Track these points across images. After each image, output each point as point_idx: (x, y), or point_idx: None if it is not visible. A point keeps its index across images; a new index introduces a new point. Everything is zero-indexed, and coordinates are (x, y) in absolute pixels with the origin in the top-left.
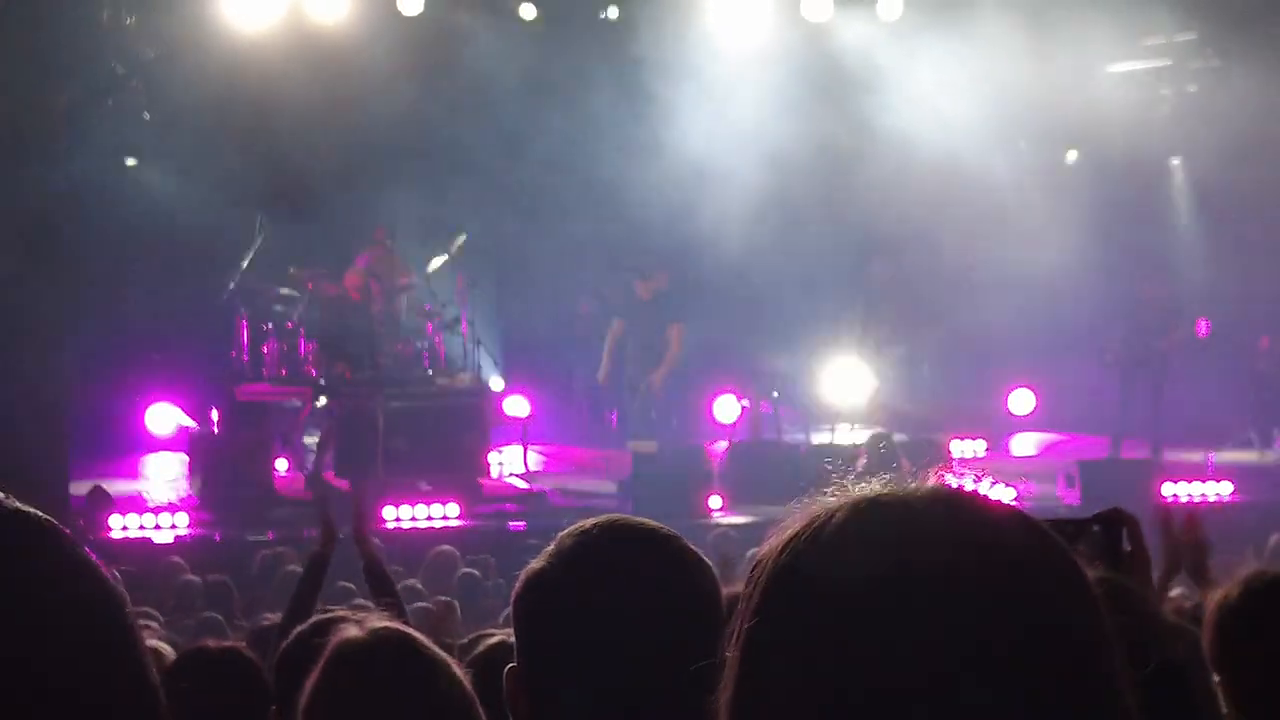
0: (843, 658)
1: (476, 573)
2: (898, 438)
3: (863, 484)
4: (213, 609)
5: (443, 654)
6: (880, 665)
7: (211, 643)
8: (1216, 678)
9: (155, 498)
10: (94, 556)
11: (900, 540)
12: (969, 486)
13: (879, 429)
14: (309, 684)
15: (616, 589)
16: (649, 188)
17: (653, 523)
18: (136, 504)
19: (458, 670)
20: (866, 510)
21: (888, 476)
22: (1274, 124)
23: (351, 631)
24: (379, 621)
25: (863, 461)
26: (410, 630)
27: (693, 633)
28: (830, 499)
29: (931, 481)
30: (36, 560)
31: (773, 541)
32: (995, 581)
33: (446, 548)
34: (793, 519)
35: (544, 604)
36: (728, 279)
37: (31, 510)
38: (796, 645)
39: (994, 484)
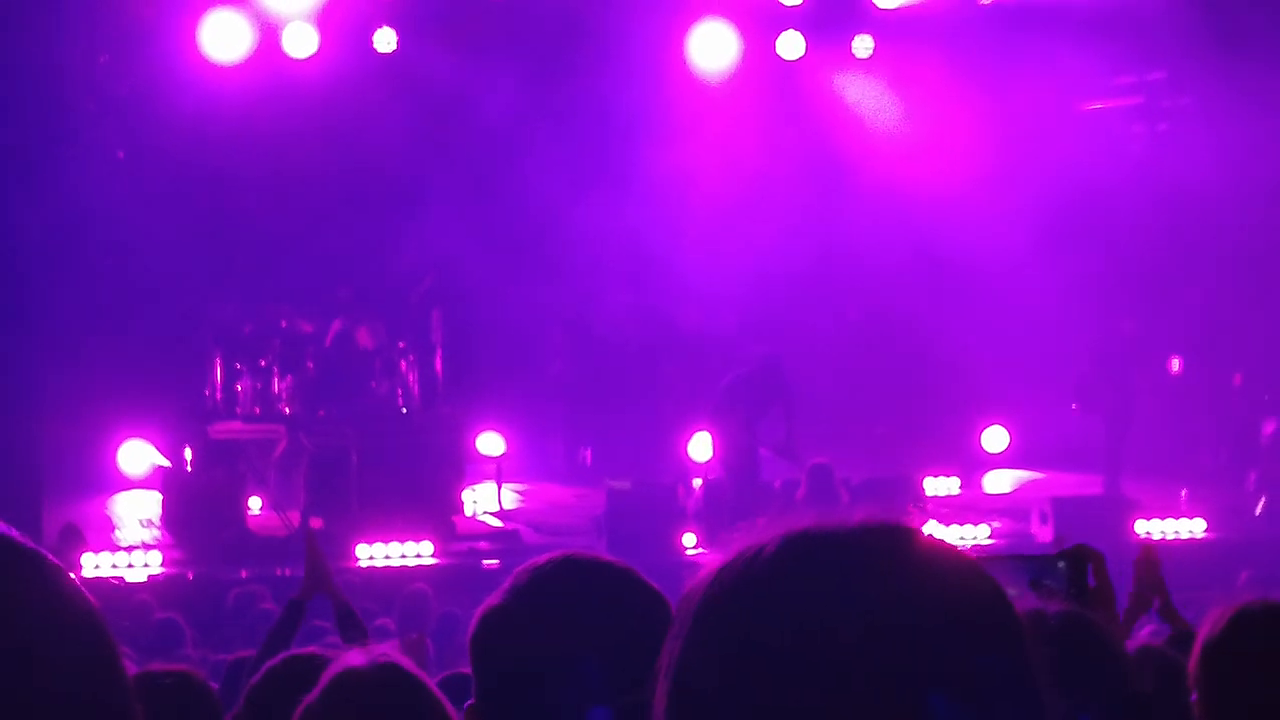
0: (767, 692)
1: (459, 611)
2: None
3: (795, 516)
4: (165, 645)
5: (438, 692)
6: (805, 700)
7: (158, 666)
8: (1201, 710)
9: (127, 536)
10: (79, 584)
11: (828, 574)
12: (904, 519)
13: (821, 460)
14: (303, 707)
15: (572, 624)
16: (620, 225)
17: (608, 558)
18: (109, 542)
19: (449, 708)
20: (796, 543)
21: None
22: (1246, 161)
23: (355, 660)
24: (383, 654)
25: (802, 492)
26: (410, 665)
27: (648, 667)
28: (762, 530)
29: (864, 514)
30: (20, 585)
31: (703, 573)
32: (923, 617)
33: (421, 586)
34: (724, 550)
35: (500, 640)
36: (702, 317)
37: (14, 535)
38: (722, 679)
39: (931, 518)
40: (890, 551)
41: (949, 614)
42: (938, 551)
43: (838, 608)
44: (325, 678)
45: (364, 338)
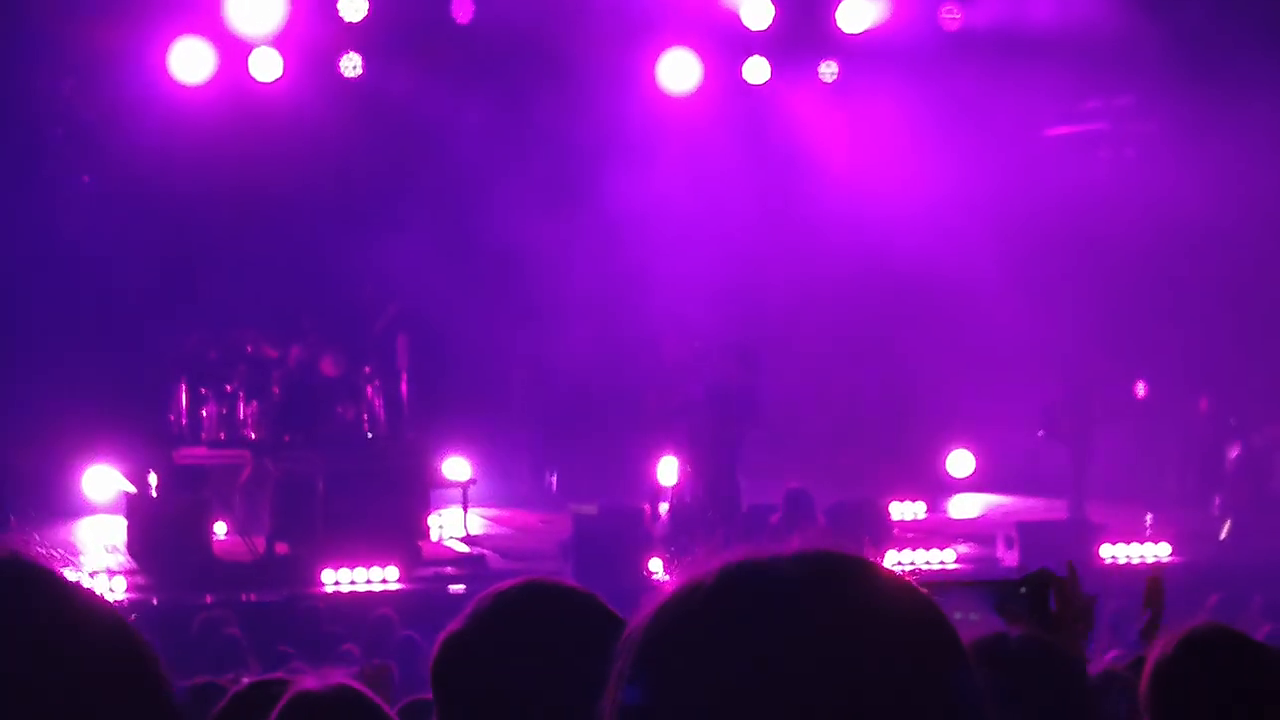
0: None
1: (416, 636)
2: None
3: (732, 547)
4: None
5: (395, 718)
6: None
7: None
8: None
9: (92, 562)
10: (116, 605)
11: (767, 607)
12: (842, 547)
13: (797, 485)
14: None
15: (533, 649)
16: (587, 250)
17: (570, 583)
18: (74, 568)
19: None
20: (734, 576)
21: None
22: (1212, 185)
23: (310, 685)
24: (338, 678)
25: (778, 516)
26: (365, 690)
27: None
28: (701, 563)
29: (800, 543)
30: (64, 609)
31: (644, 611)
32: (863, 646)
33: (386, 611)
34: (665, 587)
35: (461, 664)
36: (668, 341)
37: (45, 558)
38: (666, 717)
39: (874, 544)
40: (828, 581)
41: (889, 640)
42: (876, 578)
43: (776, 641)
44: (280, 703)
45: (329, 364)
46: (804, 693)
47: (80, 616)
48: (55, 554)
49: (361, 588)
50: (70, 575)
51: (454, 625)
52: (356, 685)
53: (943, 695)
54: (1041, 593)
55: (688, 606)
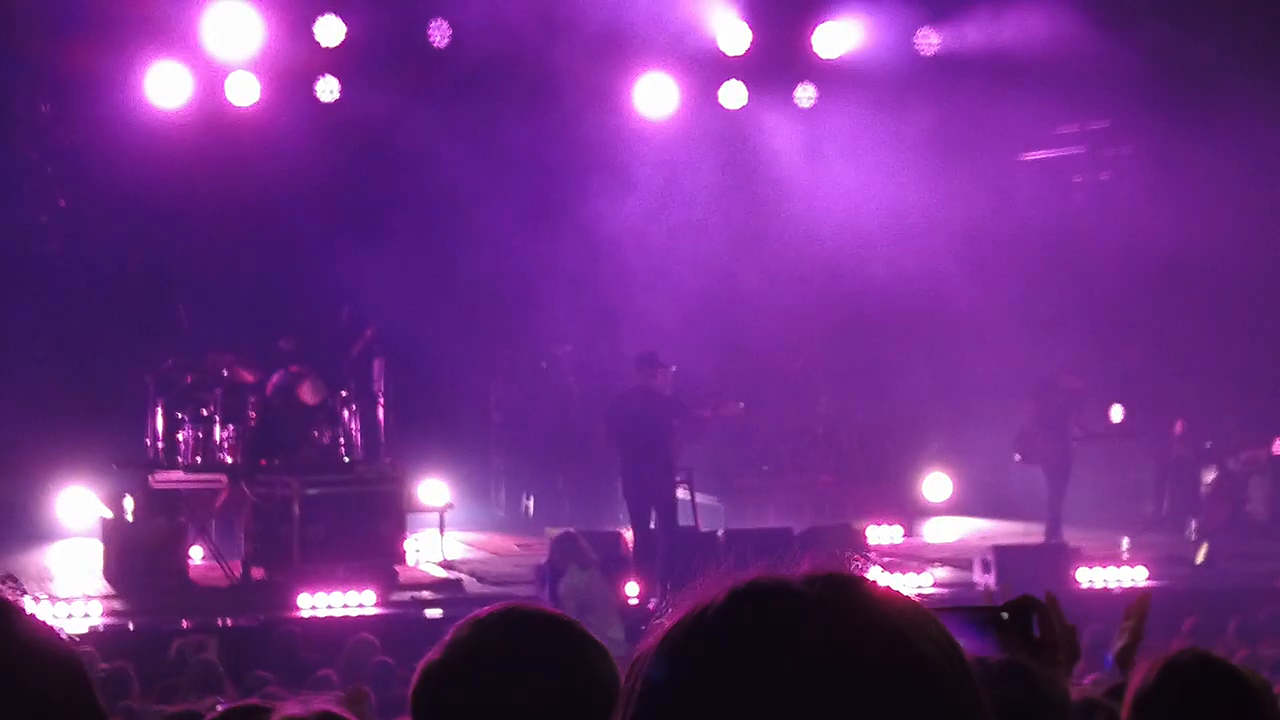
0: None
1: (391, 661)
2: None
3: (741, 571)
4: (110, 696)
5: None
6: None
7: None
8: None
9: (68, 587)
10: (57, 632)
11: (778, 622)
12: (849, 569)
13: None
14: None
15: (513, 678)
16: (564, 274)
17: (551, 610)
18: (49, 593)
19: None
20: (745, 596)
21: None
22: (1188, 209)
23: (293, 711)
24: (321, 704)
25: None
26: (350, 716)
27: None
28: (709, 586)
29: (810, 564)
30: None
31: (654, 632)
32: (877, 664)
33: (366, 636)
34: (672, 610)
35: (441, 695)
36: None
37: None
38: None
39: (872, 566)
40: (838, 598)
41: (897, 658)
42: (886, 600)
43: (788, 655)
44: None
45: (307, 391)
46: (816, 705)
47: (26, 652)
48: (10, 585)
49: (338, 612)
50: (24, 608)
51: (433, 654)
52: (340, 711)
53: (950, 705)
54: (1024, 618)
55: (698, 624)
